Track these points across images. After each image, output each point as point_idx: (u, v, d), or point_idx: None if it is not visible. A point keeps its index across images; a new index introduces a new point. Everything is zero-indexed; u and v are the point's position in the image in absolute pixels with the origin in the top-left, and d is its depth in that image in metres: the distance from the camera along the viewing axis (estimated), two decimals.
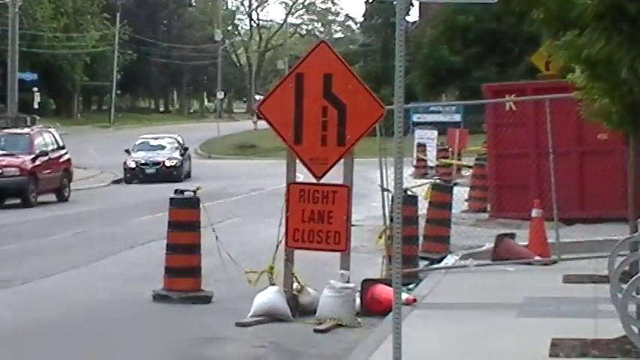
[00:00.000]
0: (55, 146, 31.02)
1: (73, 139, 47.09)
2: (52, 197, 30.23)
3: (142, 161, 39.55)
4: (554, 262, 14.52)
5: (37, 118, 39.43)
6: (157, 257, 13.34)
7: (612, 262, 9.17)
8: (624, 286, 7.85)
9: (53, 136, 31.64)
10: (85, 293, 13.22)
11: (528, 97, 18.98)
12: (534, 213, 14.91)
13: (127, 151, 40.37)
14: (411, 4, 54.76)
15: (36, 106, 65.40)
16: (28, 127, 32.66)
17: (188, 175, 40.29)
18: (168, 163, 39.38)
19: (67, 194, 30.89)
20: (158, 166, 39.29)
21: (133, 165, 39.54)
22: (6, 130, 32.03)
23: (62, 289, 13.65)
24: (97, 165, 44.89)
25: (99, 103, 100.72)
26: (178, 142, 41.75)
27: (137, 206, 27.05)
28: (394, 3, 8.84)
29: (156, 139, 42.55)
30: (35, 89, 67.17)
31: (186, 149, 41.46)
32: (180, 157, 40.04)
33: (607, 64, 9.50)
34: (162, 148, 40.78)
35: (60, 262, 16.09)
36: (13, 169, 28.36)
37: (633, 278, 7.47)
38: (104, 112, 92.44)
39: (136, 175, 39.30)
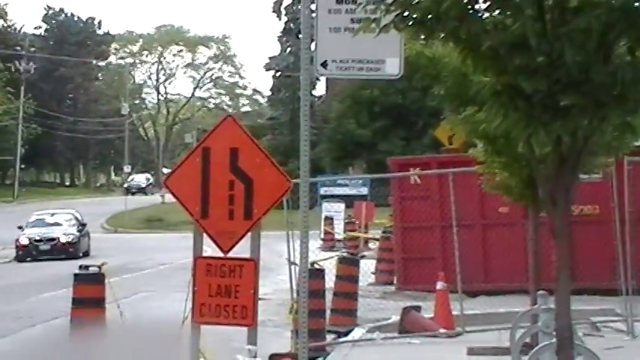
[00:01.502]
0: None
1: None
2: None
3: (37, 237, 37.87)
4: (459, 334, 14.66)
5: None
6: (62, 335, 13.08)
7: (514, 334, 9.33)
8: (525, 358, 7.97)
9: None
10: None
11: (432, 171, 19.31)
12: (439, 285, 15.08)
13: (21, 227, 38.71)
14: (317, 79, 55.52)
15: None
16: None
17: (87, 252, 38.73)
18: (64, 239, 37.83)
19: None
20: (53, 242, 37.75)
21: (25, 242, 37.76)
22: None
23: None
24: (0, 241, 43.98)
25: (2, 178, 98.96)
26: (76, 217, 40.30)
27: (40, 283, 26.52)
28: (300, 77, 8.99)
29: (52, 215, 40.89)
30: None
31: (84, 225, 39.95)
32: (77, 234, 38.54)
33: (505, 139, 9.80)
34: (59, 224, 39.18)
35: None
36: None
37: (534, 350, 7.59)
38: (8, 187, 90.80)
39: (29, 252, 37.54)
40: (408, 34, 6.48)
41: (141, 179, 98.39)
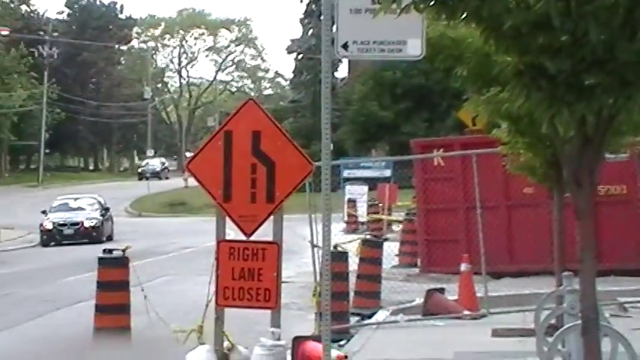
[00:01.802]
0: None
1: (0, 199, 46.46)
2: None
3: (60, 222, 38.12)
4: (483, 316, 14.62)
5: None
6: (86, 318, 13.15)
7: (538, 315, 9.27)
8: (550, 340, 7.92)
9: None
10: (11, 358, 12.95)
11: (455, 153, 19.22)
12: (463, 267, 15.04)
13: (44, 212, 38.92)
14: (340, 61, 55.40)
15: None
16: None
17: (110, 236, 38.87)
18: (87, 224, 38.09)
19: None
20: (77, 227, 37.99)
21: (49, 226, 38.03)
22: None
23: None
24: (25, 225, 44.16)
25: (27, 163, 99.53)
26: (99, 202, 40.45)
27: (65, 267, 26.68)
28: (321, 59, 8.94)
29: (75, 199, 41.06)
30: None
31: (107, 209, 40.04)
32: (100, 218, 38.72)
33: (529, 119, 9.71)
34: (82, 208, 39.36)
35: None
36: None
37: (558, 331, 7.55)
38: (32, 172, 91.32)
39: (52, 236, 37.85)
40: (429, 14, 6.40)
41: (155, 163, 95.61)
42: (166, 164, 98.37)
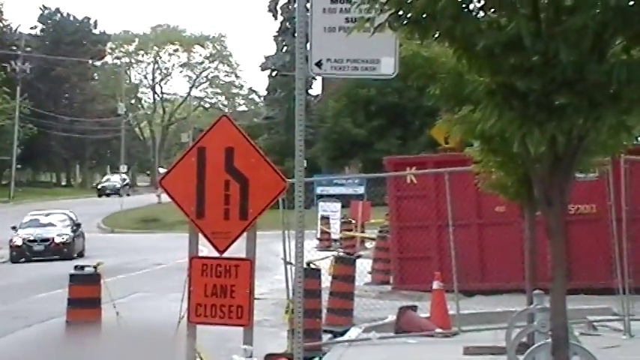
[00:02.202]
0: None
1: None
2: None
3: (30, 238, 37.66)
4: (455, 333, 14.66)
5: None
6: (56, 335, 13.07)
7: (510, 333, 9.32)
8: (521, 358, 7.96)
9: None
10: None
11: (428, 170, 19.29)
12: (435, 285, 15.08)
13: (14, 227, 38.48)
14: (314, 78, 55.52)
15: None
16: None
17: (81, 253, 38.47)
18: (58, 240, 37.61)
19: None
20: (47, 243, 37.52)
21: (19, 242, 37.52)
22: None
23: None
24: None
25: None
26: (70, 218, 40.03)
27: (35, 283, 26.50)
28: (295, 77, 8.97)
29: (46, 215, 40.61)
30: None
31: (78, 225, 39.63)
32: (71, 234, 38.27)
33: (501, 139, 9.77)
34: (53, 224, 38.88)
35: None
36: None
37: (529, 349, 7.59)
38: (4, 187, 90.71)
39: (22, 252, 37.34)
40: (402, 33, 6.45)
41: (116, 180, 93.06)
42: (127, 180, 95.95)
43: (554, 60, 5.76)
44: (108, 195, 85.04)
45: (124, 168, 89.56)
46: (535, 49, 5.85)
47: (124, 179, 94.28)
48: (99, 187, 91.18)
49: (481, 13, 6.05)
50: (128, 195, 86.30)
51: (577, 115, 5.90)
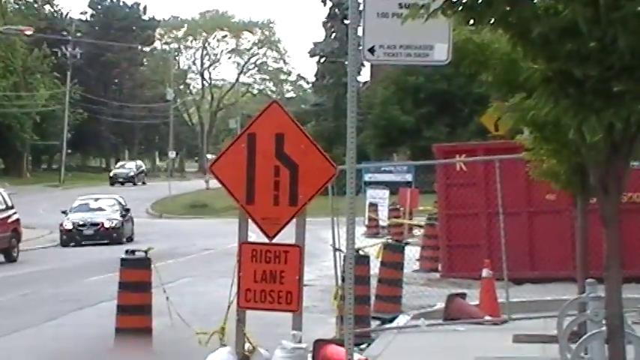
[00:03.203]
0: (4, 206, 30.73)
1: (22, 198, 46.70)
2: (1, 258, 29.85)
3: (80, 222, 38.03)
4: (505, 321, 14.59)
5: None
6: (107, 318, 13.20)
7: (561, 322, 9.25)
8: (573, 347, 7.90)
9: (1, 196, 31.35)
10: (33, 357, 13.02)
11: (478, 158, 19.19)
12: (484, 273, 15.01)
13: (65, 212, 38.91)
14: (362, 65, 55.38)
15: None
16: None
17: (130, 237, 38.78)
18: (107, 224, 37.96)
19: (15, 255, 30.52)
20: (97, 227, 37.89)
21: (69, 226, 37.92)
22: None
23: (9, 353, 13.43)
24: (46, 225, 44.39)
25: (49, 163, 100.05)
26: (119, 202, 40.32)
27: (86, 267, 26.80)
28: (346, 63, 8.96)
29: (96, 200, 41.03)
30: None
31: (127, 210, 39.94)
32: (120, 218, 38.58)
33: (554, 126, 9.68)
34: (102, 209, 39.25)
35: (7, 324, 15.84)
36: None
37: (581, 339, 7.53)
38: (54, 172, 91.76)
39: (72, 236, 37.74)
40: (456, 19, 6.40)
41: (131, 167, 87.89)
42: (143, 167, 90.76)
43: (611, 46, 5.69)
44: (122, 183, 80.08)
45: (172, 154, 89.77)
46: (592, 36, 5.77)
47: (139, 166, 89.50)
48: (111, 174, 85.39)
49: None
50: (144, 183, 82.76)
51: (635, 101, 5.82)
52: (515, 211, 18.46)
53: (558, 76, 6.08)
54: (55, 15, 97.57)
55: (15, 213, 31.41)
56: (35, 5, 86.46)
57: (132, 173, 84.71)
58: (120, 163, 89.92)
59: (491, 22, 6.11)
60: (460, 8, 6.02)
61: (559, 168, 11.73)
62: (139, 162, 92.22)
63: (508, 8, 5.89)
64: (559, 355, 8.44)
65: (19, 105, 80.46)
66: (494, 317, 14.67)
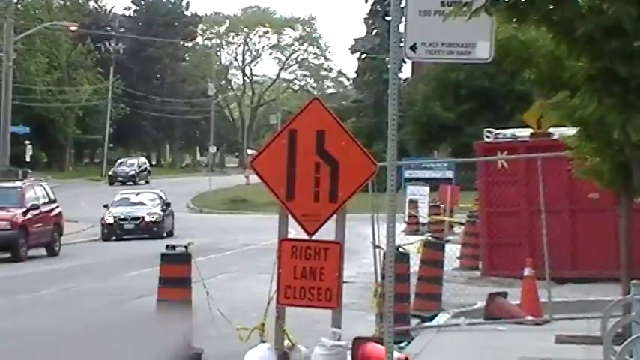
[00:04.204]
0: (47, 200, 30.99)
1: (64, 192, 47.07)
2: (43, 251, 30.11)
3: (121, 216, 38.20)
4: (546, 321, 14.47)
5: (29, 171, 39.41)
6: (148, 312, 13.24)
7: (605, 323, 9.15)
8: (617, 349, 7.81)
9: (44, 189, 31.62)
10: (74, 350, 13.09)
11: (521, 156, 19.04)
12: (526, 272, 14.89)
13: (106, 206, 39.11)
14: (404, 62, 55.22)
15: (28, 159, 65.45)
16: (20, 180, 32.64)
17: (171, 232, 38.88)
18: (148, 219, 38.06)
19: (57, 248, 30.77)
20: (137, 222, 38.06)
21: (111, 220, 38.06)
22: None
23: (51, 346, 13.52)
24: (88, 219, 44.72)
25: (91, 157, 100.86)
26: (160, 197, 40.41)
27: (127, 261, 26.96)
28: (387, 60, 8.92)
29: (137, 194, 41.26)
30: (27, 142, 67.26)
31: (168, 204, 40.02)
32: (161, 213, 38.66)
33: (598, 125, 9.57)
34: (143, 203, 39.40)
35: (49, 317, 15.97)
36: (3, 222, 28.27)
37: (627, 341, 7.44)
38: (96, 166, 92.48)
39: (114, 231, 37.93)
40: (499, 17, 6.35)
41: (132, 164, 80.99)
42: (146, 165, 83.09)
43: None
44: (123, 183, 73.57)
45: (212, 149, 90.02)
46: (637, 34, 5.71)
47: (142, 163, 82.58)
48: (110, 173, 78.34)
49: None
50: (147, 182, 75.93)
51: None
52: (558, 209, 18.30)
53: (602, 74, 6.03)
54: (99, 11, 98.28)
55: (57, 207, 31.68)
56: (80, 1, 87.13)
57: (133, 172, 78.19)
58: (120, 161, 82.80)
59: (535, 20, 6.06)
60: (503, 6, 5.98)
61: (602, 166, 11.60)
62: (143, 159, 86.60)
63: (552, 7, 5.84)
64: (603, 357, 8.34)
65: (63, 99, 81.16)
66: (535, 317, 14.55)
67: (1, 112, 42.98)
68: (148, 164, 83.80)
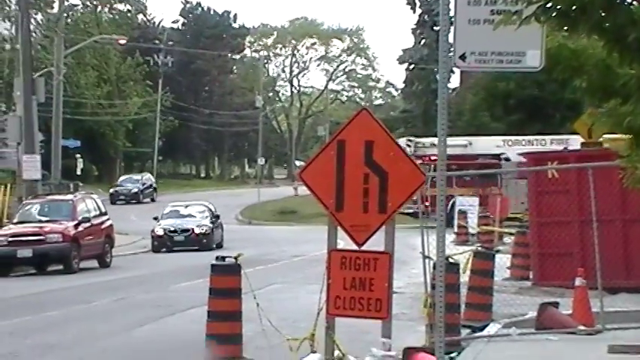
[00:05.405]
0: (97, 212, 31.31)
1: (114, 205, 47.41)
2: (94, 263, 30.42)
3: (171, 228, 38.53)
4: (599, 331, 14.32)
5: (80, 184, 39.91)
6: (198, 324, 13.33)
7: None
8: None
9: (95, 202, 31.95)
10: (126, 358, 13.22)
11: (571, 165, 18.90)
12: (578, 282, 14.76)
13: (156, 218, 39.52)
14: (452, 72, 55.08)
15: (79, 172, 66.22)
16: (71, 193, 33.04)
17: (220, 244, 39.18)
18: (197, 231, 38.36)
19: (108, 260, 31.07)
20: (187, 234, 38.35)
21: (161, 232, 38.43)
22: (49, 197, 32.48)
23: (105, 356, 13.66)
24: (138, 231, 45.07)
25: (140, 169, 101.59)
26: (209, 209, 40.75)
27: (177, 273, 27.13)
28: (435, 70, 8.91)
29: (186, 206, 41.52)
30: (78, 156, 68.04)
31: (217, 216, 40.32)
32: (210, 225, 38.97)
33: None
34: (192, 216, 39.74)
35: (102, 328, 16.12)
36: (56, 235, 28.58)
37: None
38: None
39: (163, 242, 38.31)
40: (550, 26, 6.32)
41: (137, 180, 73.98)
42: (152, 182, 75.10)
43: None
44: (127, 201, 67.49)
45: (261, 160, 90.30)
46: None
47: (147, 179, 75.34)
48: (111, 191, 70.05)
49: (634, 4, 5.87)
50: (153, 200, 70.12)
51: None
52: (609, 219, 18.13)
53: None
54: (148, 24, 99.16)
55: (108, 219, 31.99)
56: (128, 15, 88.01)
57: (136, 189, 70.96)
58: (122, 178, 74.97)
59: (586, 28, 6.01)
60: (554, 14, 5.95)
61: None
62: (148, 175, 78.23)
63: (603, 14, 5.80)
64: None
65: (112, 113, 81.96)
66: (588, 327, 14.40)
67: (52, 126, 43.52)
68: (154, 180, 76.43)
